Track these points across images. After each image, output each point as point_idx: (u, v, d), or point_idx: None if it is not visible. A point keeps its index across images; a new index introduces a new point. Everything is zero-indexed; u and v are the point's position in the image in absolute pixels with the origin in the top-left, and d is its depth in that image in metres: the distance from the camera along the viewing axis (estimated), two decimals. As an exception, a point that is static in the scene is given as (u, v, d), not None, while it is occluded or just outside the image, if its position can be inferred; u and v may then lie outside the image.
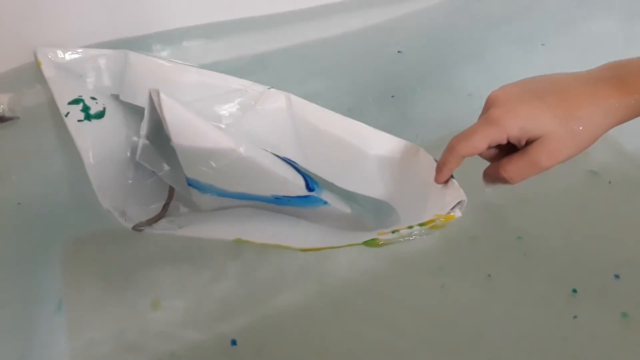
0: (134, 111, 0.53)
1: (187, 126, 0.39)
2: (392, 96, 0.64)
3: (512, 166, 0.34)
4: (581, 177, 0.58)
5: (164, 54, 0.63)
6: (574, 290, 0.47)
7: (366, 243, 0.36)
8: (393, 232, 0.35)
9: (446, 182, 0.36)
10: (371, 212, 0.46)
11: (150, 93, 0.40)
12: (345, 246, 0.36)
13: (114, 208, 0.44)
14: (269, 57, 0.66)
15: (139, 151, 0.44)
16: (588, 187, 0.57)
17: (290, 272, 0.48)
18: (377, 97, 0.64)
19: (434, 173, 0.38)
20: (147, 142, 0.44)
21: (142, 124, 0.43)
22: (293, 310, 0.46)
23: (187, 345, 0.44)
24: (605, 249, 0.51)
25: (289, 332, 0.45)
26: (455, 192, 0.35)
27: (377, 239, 0.35)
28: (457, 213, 0.34)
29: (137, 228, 0.43)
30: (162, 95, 0.38)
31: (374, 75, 0.67)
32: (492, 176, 0.36)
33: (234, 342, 0.44)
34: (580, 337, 0.45)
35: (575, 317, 0.46)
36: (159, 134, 0.45)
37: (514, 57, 0.71)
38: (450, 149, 0.35)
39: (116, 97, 0.53)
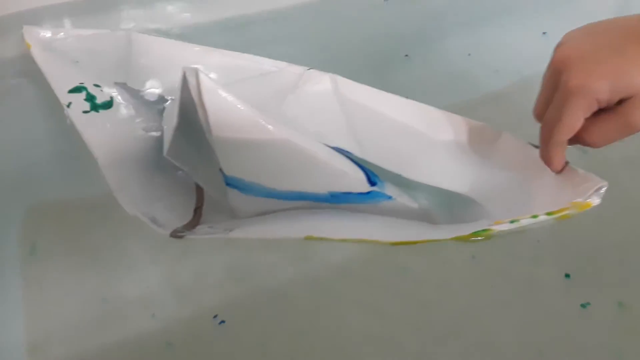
0: (144, 101, 0.46)
1: (232, 114, 0.33)
2: (406, 55, 0.60)
3: (598, 129, 0.30)
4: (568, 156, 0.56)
5: (132, 14, 0.55)
6: (567, 275, 0.44)
7: (476, 234, 0.31)
8: (512, 222, 0.30)
9: (561, 170, 0.32)
10: (441, 205, 0.40)
11: (184, 73, 0.33)
12: (450, 239, 0.31)
13: (142, 214, 0.36)
14: (252, 21, 0.59)
15: (167, 145, 0.37)
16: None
17: (267, 251, 0.45)
18: (373, 58, 0.60)
19: (530, 158, 0.34)
20: (177, 134, 0.37)
21: (171, 110, 0.36)
22: (268, 291, 0.43)
23: (164, 316, 0.41)
24: (599, 231, 0.48)
25: (262, 314, 0.42)
26: (582, 178, 0.30)
27: (490, 229, 0.30)
28: (596, 200, 0.29)
29: (176, 235, 0.36)
30: (202, 76, 0.31)
31: (368, 36, 0.62)
32: (571, 138, 0.32)
33: (221, 321, 0.41)
34: (573, 322, 0.43)
35: (569, 302, 0.43)
36: (188, 124, 0.38)
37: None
38: (546, 139, 0.31)
39: (122, 85, 0.45)
